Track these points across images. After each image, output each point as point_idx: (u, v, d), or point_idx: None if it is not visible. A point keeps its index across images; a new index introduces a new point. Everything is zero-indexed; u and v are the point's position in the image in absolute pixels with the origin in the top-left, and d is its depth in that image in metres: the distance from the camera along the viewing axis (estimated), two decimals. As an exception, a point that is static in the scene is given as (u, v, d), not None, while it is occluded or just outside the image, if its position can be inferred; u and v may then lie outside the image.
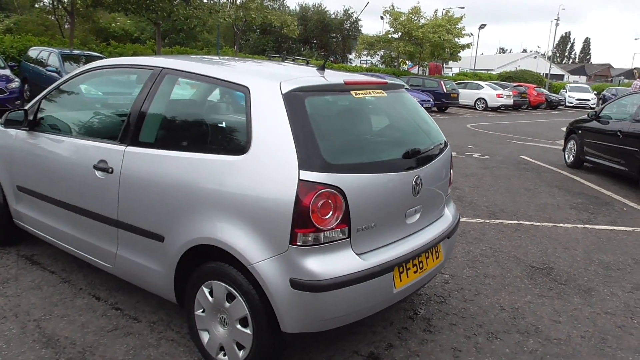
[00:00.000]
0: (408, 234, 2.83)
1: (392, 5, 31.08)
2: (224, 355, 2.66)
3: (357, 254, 2.47)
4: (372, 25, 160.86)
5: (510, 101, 26.31)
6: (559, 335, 3.30)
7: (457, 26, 30.99)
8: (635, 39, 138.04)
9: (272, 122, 2.46)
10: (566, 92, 33.12)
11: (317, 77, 2.74)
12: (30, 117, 3.56)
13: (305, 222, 2.29)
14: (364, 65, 33.82)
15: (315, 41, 43.92)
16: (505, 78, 35.84)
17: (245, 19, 24.27)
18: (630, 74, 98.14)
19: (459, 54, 32.56)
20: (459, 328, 3.31)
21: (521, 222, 5.76)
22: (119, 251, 3.05)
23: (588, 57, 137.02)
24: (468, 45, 32.76)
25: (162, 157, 2.78)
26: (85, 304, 3.31)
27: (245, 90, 2.59)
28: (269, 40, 42.86)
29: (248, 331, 2.50)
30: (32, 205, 3.63)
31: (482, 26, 37.54)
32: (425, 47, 30.61)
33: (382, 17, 33.27)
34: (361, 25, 39.77)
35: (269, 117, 2.48)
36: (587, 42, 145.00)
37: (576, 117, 10.52)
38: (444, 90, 22.77)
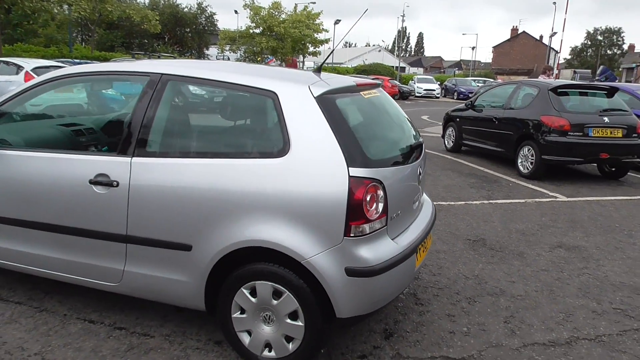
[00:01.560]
0: (414, 218, 3.17)
1: (253, 0, 31.21)
2: (270, 351, 2.75)
3: (392, 239, 2.74)
4: (227, 20, 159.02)
5: (369, 93, 27.99)
6: (519, 292, 3.89)
7: (315, 22, 32.14)
8: (463, 34, 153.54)
9: (310, 124, 2.61)
10: (414, 83, 36.14)
11: (337, 79, 2.93)
12: None
13: (358, 215, 2.50)
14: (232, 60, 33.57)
15: (168, 36, 42.28)
16: (361, 71, 38.05)
17: (100, 13, 22.69)
18: (458, 65, 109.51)
19: (318, 49, 33.80)
20: (443, 297, 3.73)
21: (439, 202, 6.42)
22: (127, 267, 2.94)
23: (422, 50, 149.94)
24: (327, 40, 34.22)
25: (185, 165, 2.76)
26: (81, 330, 3.12)
27: (274, 96, 2.69)
28: (118, 36, 40.33)
29: (299, 323, 2.63)
30: None
31: (337, 21, 39.37)
32: (287, 42, 31.29)
33: (236, 12, 33.16)
34: (217, 20, 39.24)
35: (304, 119, 2.62)
36: (420, 37, 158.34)
37: (426, 105, 11.72)
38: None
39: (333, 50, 4.25)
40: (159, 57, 18.18)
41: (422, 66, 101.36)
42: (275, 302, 2.66)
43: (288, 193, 2.55)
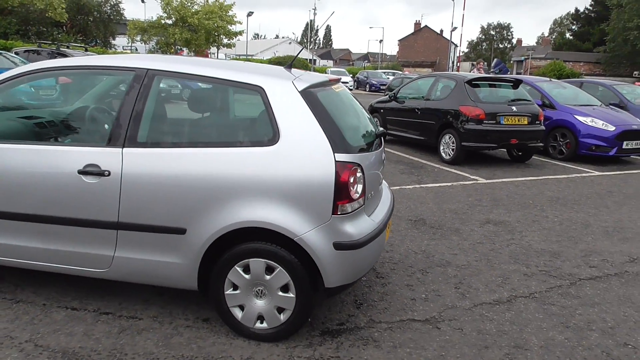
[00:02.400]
0: (380, 199, 3.55)
1: (165, -10, 30.29)
2: (261, 323, 3.01)
3: (368, 217, 3.10)
4: (133, 10, 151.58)
5: (286, 85, 28.28)
6: (462, 262, 4.41)
7: (228, 13, 31.79)
8: (370, 27, 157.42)
9: (297, 115, 2.89)
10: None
11: (312, 76, 3.22)
12: None
13: (344, 195, 2.82)
14: (140, 52, 32.23)
15: (69, 24, 39.81)
16: (276, 63, 38.08)
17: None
18: (366, 57, 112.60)
19: (233, 41, 33.46)
20: (399, 271, 4.16)
21: (375, 187, 6.88)
22: (117, 253, 3.06)
23: (330, 42, 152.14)
24: (241, 32, 33.92)
25: (178, 154, 2.93)
26: (66, 317, 3.19)
27: (260, 90, 2.94)
28: (12, 23, 37.32)
29: (291, 295, 2.92)
30: None
31: (249, 13, 39.19)
32: (200, 33, 30.71)
33: (143, 1, 31.97)
34: (123, 9, 37.53)
35: (291, 111, 2.89)
36: (328, 29, 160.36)
37: None
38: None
39: (301, 50, 4.51)
40: (67, 47, 17.24)
41: (331, 58, 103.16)
42: (268, 277, 2.92)
43: (279, 178, 2.82)
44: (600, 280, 4.16)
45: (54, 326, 3.07)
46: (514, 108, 8.66)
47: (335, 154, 2.81)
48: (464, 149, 8.62)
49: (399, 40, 76.72)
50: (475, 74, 12.31)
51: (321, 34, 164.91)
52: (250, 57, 43.12)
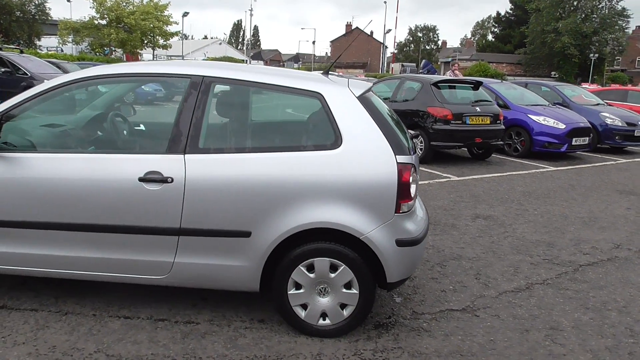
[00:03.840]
0: None
1: (96, -10, 29.06)
2: (324, 320, 3.13)
3: (418, 215, 3.29)
4: (59, 9, 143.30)
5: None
6: (472, 255, 4.71)
7: (164, 13, 31.03)
8: (302, 29, 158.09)
9: (357, 120, 3.03)
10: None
11: (358, 81, 3.36)
12: None
13: (405, 195, 3.00)
14: (66, 53, 30.70)
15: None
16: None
17: None
18: (296, 58, 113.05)
19: (169, 42, 32.68)
20: (419, 265, 4.39)
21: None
22: (177, 259, 3.08)
23: (258, 43, 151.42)
24: (177, 33, 33.21)
25: (242, 160, 2.99)
26: (124, 326, 3.15)
27: (320, 96, 3.06)
28: None
29: (354, 291, 3.06)
30: (4, 239, 3.14)
31: (185, 14, 38.32)
32: (136, 34, 29.76)
33: (69, 0, 30.58)
34: (49, 8, 35.62)
35: (351, 116, 3.04)
36: (256, 30, 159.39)
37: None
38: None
39: (339, 56, 4.61)
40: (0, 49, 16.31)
41: (262, 59, 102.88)
42: (332, 275, 3.05)
43: (344, 180, 2.95)
44: (597, 266, 4.58)
45: (116, 335, 3.04)
46: (477, 109, 9.17)
47: (397, 156, 2.98)
48: (433, 148, 9.03)
49: (330, 42, 77.79)
50: (446, 76, 12.79)
51: (249, 34, 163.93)
52: (182, 57, 42.09)
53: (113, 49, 31.96)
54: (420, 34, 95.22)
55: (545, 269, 4.45)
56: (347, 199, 2.95)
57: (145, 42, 31.67)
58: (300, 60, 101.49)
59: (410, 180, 3.02)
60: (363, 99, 3.11)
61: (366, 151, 2.99)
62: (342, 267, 3.03)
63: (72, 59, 26.87)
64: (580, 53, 56.68)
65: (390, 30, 51.98)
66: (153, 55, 35.02)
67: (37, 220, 3.07)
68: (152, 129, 3.43)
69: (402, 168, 2.97)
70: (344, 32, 78.32)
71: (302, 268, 3.06)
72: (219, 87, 3.15)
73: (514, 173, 8.85)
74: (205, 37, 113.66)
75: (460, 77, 11.72)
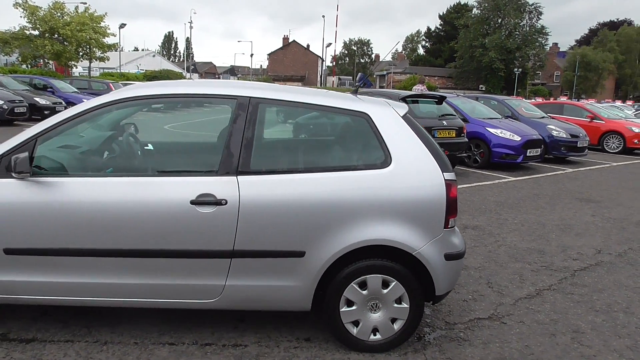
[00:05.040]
0: None
1: (26, -1, 27.58)
2: (375, 335, 3.19)
3: (456, 229, 3.44)
4: None
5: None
6: (476, 264, 4.92)
7: (100, 24, 29.97)
8: (239, 41, 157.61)
9: (404, 139, 3.14)
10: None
11: (400, 103, 3.48)
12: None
13: (453, 210, 3.14)
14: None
15: None
16: (151, 77, 36.64)
17: None
18: (232, 71, 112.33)
19: (106, 54, 31.54)
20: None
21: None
22: (228, 282, 3.05)
23: (191, 55, 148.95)
24: (115, 45, 32.09)
25: (295, 180, 3.02)
26: (172, 352, 3.08)
27: (366, 116, 3.15)
28: None
29: (405, 305, 3.15)
30: (39, 267, 2.98)
31: (122, 25, 37.14)
32: (72, 46, 28.49)
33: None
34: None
35: (399, 135, 3.15)
36: (188, 42, 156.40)
37: (229, 113, 12.51)
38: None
39: (378, 66, 4.68)
40: None
41: (197, 72, 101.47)
42: (384, 291, 3.12)
43: (395, 197, 3.05)
44: (589, 270, 4.92)
45: (168, 366, 2.96)
46: (444, 122, 9.56)
47: (444, 174, 3.12)
48: (403, 161, 9.29)
49: (268, 55, 77.91)
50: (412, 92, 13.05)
51: (181, 46, 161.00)
52: (111, 70, 40.48)
53: (47, 61, 30.46)
54: (354, 48, 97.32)
55: (546, 275, 4.73)
56: (399, 216, 3.05)
57: (81, 54, 30.39)
58: (235, 73, 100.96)
59: (457, 197, 3.16)
60: (407, 118, 3.23)
61: (415, 169, 3.10)
62: (393, 283, 3.11)
63: (3, 71, 25.33)
64: (505, 67, 60.06)
65: (330, 44, 52.78)
66: (89, 68, 33.69)
67: (81, 248, 2.95)
68: (198, 149, 3.38)
69: (449, 184, 3.11)
70: (280, 45, 78.65)
71: (354, 285, 3.11)
72: (266, 108, 3.16)
73: (481, 184, 9.28)
74: (136, 49, 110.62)
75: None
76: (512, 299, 4.14)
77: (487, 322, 3.71)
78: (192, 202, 2.93)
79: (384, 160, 3.09)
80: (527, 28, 62.58)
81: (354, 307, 3.14)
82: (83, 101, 16.53)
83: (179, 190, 2.96)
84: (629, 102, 38.65)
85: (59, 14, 28.43)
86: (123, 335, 3.25)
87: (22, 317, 3.40)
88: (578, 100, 39.13)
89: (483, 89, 61.44)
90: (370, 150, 3.19)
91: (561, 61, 76.54)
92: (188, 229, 2.95)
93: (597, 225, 6.70)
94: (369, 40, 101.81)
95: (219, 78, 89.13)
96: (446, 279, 3.18)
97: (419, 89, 13.61)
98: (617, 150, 15.76)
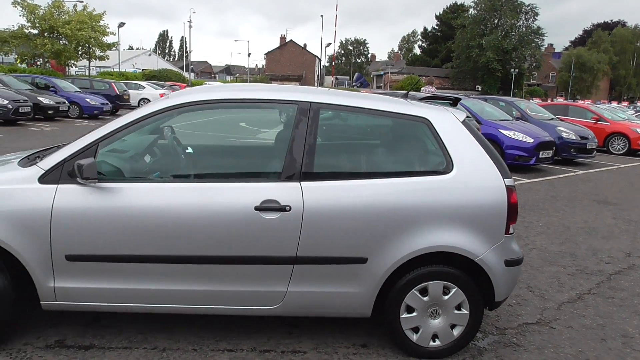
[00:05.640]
0: None
1: (23, -4, 27.30)
2: (434, 341, 3.18)
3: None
4: None
5: (172, 100, 27.23)
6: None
7: (99, 23, 29.79)
8: (235, 41, 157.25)
9: (465, 144, 3.14)
10: (208, 89, 36.08)
11: (458, 109, 3.47)
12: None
13: (513, 216, 3.14)
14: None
15: None
16: (151, 77, 36.51)
17: None
18: (227, 70, 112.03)
19: (106, 53, 31.35)
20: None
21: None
22: (290, 288, 3.03)
23: (186, 54, 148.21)
24: (114, 44, 31.92)
25: (357, 186, 3.01)
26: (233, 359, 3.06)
27: (427, 122, 3.15)
28: None
29: (464, 311, 3.14)
30: (101, 274, 2.96)
31: (121, 24, 36.93)
32: (72, 44, 28.29)
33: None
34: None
35: (460, 141, 3.14)
36: (183, 41, 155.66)
37: (229, 112, 12.51)
38: (117, 92, 22.08)
39: (420, 79, 4.67)
40: None
41: (193, 71, 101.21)
42: (445, 297, 3.12)
43: (457, 203, 3.05)
44: (624, 274, 4.94)
45: (234, 372, 2.95)
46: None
47: (505, 179, 3.12)
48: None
49: (265, 54, 77.71)
50: (425, 93, 13.06)
51: (176, 45, 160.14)
52: (109, 69, 40.09)
53: (46, 60, 30.22)
54: (351, 47, 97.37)
55: (582, 279, 4.74)
56: (461, 222, 3.04)
57: (80, 53, 30.18)
58: (232, 73, 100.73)
59: (517, 202, 3.16)
60: (466, 124, 3.22)
61: (477, 175, 3.09)
62: (454, 289, 3.10)
63: (2, 69, 25.11)
64: (502, 68, 60.27)
65: (330, 44, 52.78)
66: (89, 67, 33.46)
67: (144, 254, 2.92)
68: (256, 154, 3.36)
69: (509, 190, 3.11)
70: (277, 44, 78.55)
71: (415, 292, 3.10)
72: (327, 113, 3.14)
73: (496, 185, 9.28)
74: (131, 48, 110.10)
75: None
76: (555, 304, 4.15)
77: (536, 327, 3.71)
78: (257, 208, 2.91)
79: (446, 166, 3.08)
80: (524, 29, 62.78)
81: (414, 314, 3.13)
82: (86, 101, 16.33)
83: (243, 196, 2.94)
84: (625, 104, 38.93)
85: (57, 12, 28.18)
86: (180, 341, 3.23)
87: (74, 323, 3.37)
88: (573, 101, 39.40)
89: (479, 89, 61.69)
90: (431, 156, 3.19)
91: (556, 62, 76.93)
92: (252, 235, 2.94)
93: (620, 228, 6.73)
94: (365, 40, 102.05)
95: (214, 78, 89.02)
96: (505, 285, 3.18)
97: (428, 90, 13.58)
98: (622, 152, 15.86)
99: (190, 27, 45.03)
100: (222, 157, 3.53)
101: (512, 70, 58.85)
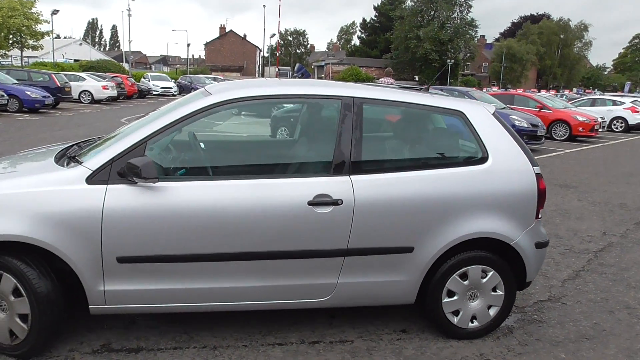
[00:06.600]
0: None
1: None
2: (472, 322, 3.36)
3: None
4: None
5: (114, 92, 26.19)
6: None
7: (32, 10, 28.13)
8: (173, 30, 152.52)
9: (497, 136, 3.32)
10: (149, 81, 35.04)
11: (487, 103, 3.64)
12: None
13: (542, 201, 3.35)
14: None
15: None
16: (88, 68, 34.83)
17: None
18: (164, 60, 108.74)
19: (39, 42, 29.64)
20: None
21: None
22: (340, 280, 3.11)
23: (117, 44, 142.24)
24: (48, 33, 30.21)
25: (403, 178, 3.12)
26: (285, 352, 3.11)
27: (462, 114, 3.30)
28: None
29: (500, 292, 3.34)
30: (154, 275, 2.92)
31: (55, 12, 34.89)
32: (4, 33, 26.55)
33: None
34: None
35: (493, 132, 3.32)
36: (114, 30, 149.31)
37: (166, 104, 12.46)
38: (57, 84, 20.99)
39: (442, 70, 4.75)
40: None
41: (128, 61, 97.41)
42: (483, 281, 3.30)
43: (493, 192, 3.23)
44: (606, 251, 5.35)
45: (291, 363, 3.00)
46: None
47: (534, 167, 3.32)
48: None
49: (205, 44, 76.05)
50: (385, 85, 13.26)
51: (106, 34, 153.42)
52: (42, 60, 37.88)
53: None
54: (290, 38, 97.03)
55: (574, 257, 5.10)
56: (498, 209, 3.22)
57: (11, 42, 28.39)
58: (168, 63, 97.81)
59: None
60: (496, 116, 3.40)
61: (510, 164, 3.28)
62: (491, 272, 3.29)
63: None
64: (439, 58, 62.08)
65: (274, 34, 52.30)
66: (21, 56, 31.47)
67: (199, 253, 2.90)
68: (302, 149, 3.38)
69: (538, 177, 3.32)
70: (217, 34, 77.07)
71: (456, 277, 3.26)
72: (369, 108, 3.22)
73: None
74: (58, 37, 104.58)
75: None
76: (558, 281, 4.45)
77: (550, 304, 3.98)
78: (310, 203, 2.96)
79: (482, 156, 3.25)
80: (458, 20, 64.87)
81: (455, 298, 3.29)
82: (27, 94, 15.47)
83: (296, 191, 2.98)
84: (552, 92, 41.14)
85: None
86: (226, 339, 3.23)
87: (112, 326, 3.30)
88: (505, 90, 41.18)
89: (417, 79, 63.26)
90: (468, 147, 3.34)
91: (488, 53, 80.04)
92: (305, 230, 2.98)
93: (588, 209, 7.23)
94: (304, 30, 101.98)
95: (150, 68, 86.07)
96: (535, 266, 3.40)
97: (387, 82, 13.86)
98: (563, 138, 16.83)
99: (129, 15, 43.30)
100: (270, 153, 3.54)
101: (449, 60, 60.72)
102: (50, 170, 2.94)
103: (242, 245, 2.94)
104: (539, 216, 3.36)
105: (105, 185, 2.81)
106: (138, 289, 2.91)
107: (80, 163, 2.91)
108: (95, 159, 2.87)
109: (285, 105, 4.36)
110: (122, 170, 2.79)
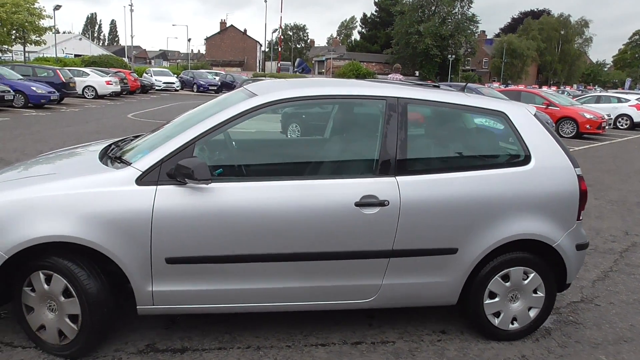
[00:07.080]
0: None
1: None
2: (513, 324, 3.36)
3: None
4: None
5: (118, 88, 26.13)
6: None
7: (34, 6, 28.00)
8: (174, 25, 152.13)
9: (539, 137, 3.31)
10: (151, 76, 34.95)
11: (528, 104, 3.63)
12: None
13: (584, 202, 3.35)
14: None
15: None
16: (90, 63, 34.69)
17: None
18: (164, 55, 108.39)
19: (42, 38, 29.53)
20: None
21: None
22: (385, 281, 3.11)
23: (116, 39, 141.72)
24: (51, 28, 30.08)
25: (448, 179, 3.11)
26: (329, 353, 3.12)
27: (504, 115, 3.30)
28: None
29: (540, 294, 3.34)
30: (202, 276, 2.91)
31: (57, 7, 34.71)
32: (7, 28, 26.44)
33: None
34: None
35: (535, 134, 3.31)
36: (113, 25, 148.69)
37: (175, 99, 12.33)
38: (62, 79, 20.91)
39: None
40: None
41: (129, 57, 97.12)
42: (524, 282, 3.30)
43: (536, 193, 3.22)
44: (631, 251, 5.36)
45: (337, 364, 3.00)
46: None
47: (575, 169, 3.32)
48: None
49: (205, 39, 75.82)
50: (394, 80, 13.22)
51: (106, 30, 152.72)
52: (37, 54, 37.80)
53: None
54: (290, 33, 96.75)
55: (600, 257, 5.11)
56: (541, 210, 3.22)
57: (14, 37, 28.27)
58: (167, 58, 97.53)
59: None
60: (537, 116, 3.39)
61: (552, 166, 3.28)
62: (532, 274, 3.29)
63: None
64: (440, 53, 61.99)
65: (277, 29, 52.14)
66: (24, 51, 31.32)
67: (246, 253, 2.90)
68: (346, 149, 3.38)
69: (580, 179, 3.31)
70: (217, 29, 76.80)
71: (498, 278, 3.26)
72: (414, 108, 3.22)
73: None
74: (58, 32, 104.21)
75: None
76: (588, 282, 4.46)
77: (584, 305, 3.99)
78: (357, 204, 2.96)
79: (525, 158, 3.24)
80: (459, 16, 64.77)
81: (496, 299, 3.30)
82: (32, 89, 15.46)
83: (342, 192, 2.97)
84: (554, 88, 41.09)
85: (-10, -5, 26.28)
86: (269, 339, 3.23)
87: (154, 326, 3.30)
88: (506, 86, 41.17)
89: (418, 75, 63.15)
90: (510, 148, 3.34)
91: (489, 48, 79.96)
92: (351, 231, 2.98)
93: (607, 208, 7.24)
94: (304, 25, 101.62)
95: (150, 63, 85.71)
96: (576, 267, 3.40)
97: (396, 77, 13.82)
98: (571, 135, 16.83)
99: (131, 10, 43.12)
100: (311, 153, 3.53)
101: (450, 56, 60.64)
102: (99, 171, 2.94)
103: (289, 246, 2.94)
104: (580, 218, 3.36)
105: (155, 186, 2.81)
106: (185, 289, 2.91)
107: (129, 164, 2.90)
108: (145, 160, 2.86)
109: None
110: (172, 172, 2.78)
